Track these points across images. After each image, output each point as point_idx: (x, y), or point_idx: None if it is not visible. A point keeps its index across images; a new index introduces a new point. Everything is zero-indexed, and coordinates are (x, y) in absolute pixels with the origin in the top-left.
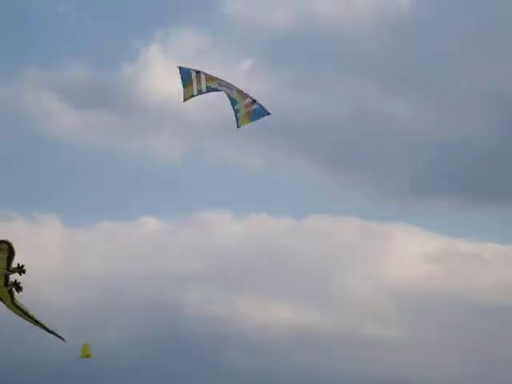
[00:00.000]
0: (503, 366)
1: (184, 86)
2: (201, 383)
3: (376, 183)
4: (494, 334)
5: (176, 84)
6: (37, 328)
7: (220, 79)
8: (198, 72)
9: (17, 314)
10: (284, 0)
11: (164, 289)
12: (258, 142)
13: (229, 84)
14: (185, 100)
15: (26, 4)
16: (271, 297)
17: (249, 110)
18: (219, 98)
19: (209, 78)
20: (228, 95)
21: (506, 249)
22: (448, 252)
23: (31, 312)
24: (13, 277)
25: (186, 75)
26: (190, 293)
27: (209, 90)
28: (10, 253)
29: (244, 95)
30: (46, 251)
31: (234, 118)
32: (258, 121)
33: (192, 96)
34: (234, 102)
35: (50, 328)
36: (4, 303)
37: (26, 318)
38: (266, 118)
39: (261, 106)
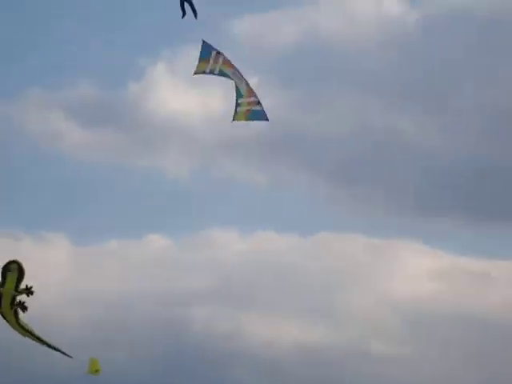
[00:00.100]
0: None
1: (199, 61)
2: None
3: (381, 200)
4: (499, 351)
5: (183, 102)
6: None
7: (236, 69)
8: (218, 52)
9: (21, 333)
10: (290, 18)
11: (171, 306)
12: (263, 159)
13: (242, 77)
14: (194, 74)
15: (30, 23)
16: (277, 314)
17: (249, 109)
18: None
19: (227, 62)
20: (236, 87)
21: None
22: (453, 269)
23: (35, 331)
24: (19, 297)
25: (206, 51)
26: (196, 310)
27: (221, 73)
28: (20, 273)
29: (252, 93)
30: (53, 270)
31: (235, 108)
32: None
33: (203, 73)
34: (239, 95)
35: (56, 346)
36: (9, 323)
37: (30, 337)
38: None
39: (262, 109)
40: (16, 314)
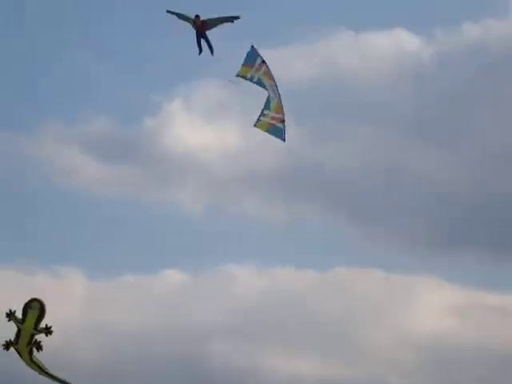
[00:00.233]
0: None
1: (243, 64)
2: None
3: (399, 235)
4: None
5: (199, 138)
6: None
7: (275, 82)
8: (263, 61)
9: (34, 369)
10: (304, 53)
11: (188, 342)
12: (280, 194)
13: (277, 91)
14: (237, 75)
15: (48, 59)
16: (295, 350)
17: (273, 123)
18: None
19: (267, 73)
20: (267, 98)
21: None
22: (473, 305)
23: (47, 368)
24: (37, 335)
25: (251, 56)
26: (214, 346)
27: (258, 82)
28: (41, 312)
29: (280, 110)
30: (68, 305)
31: (258, 116)
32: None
33: (244, 77)
34: (267, 106)
35: (68, 382)
36: (22, 359)
37: (42, 374)
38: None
39: (284, 129)
40: (31, 352)
